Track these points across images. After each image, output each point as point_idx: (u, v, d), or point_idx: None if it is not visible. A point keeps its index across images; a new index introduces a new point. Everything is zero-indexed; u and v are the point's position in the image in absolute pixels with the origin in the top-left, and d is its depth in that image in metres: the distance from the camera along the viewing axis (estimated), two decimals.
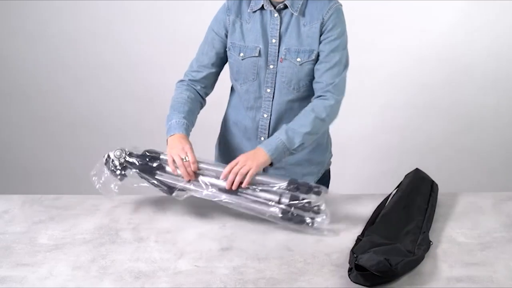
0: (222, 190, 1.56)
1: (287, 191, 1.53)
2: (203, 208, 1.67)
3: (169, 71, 3.01)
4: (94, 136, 3.31)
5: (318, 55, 1.69)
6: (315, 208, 1.50)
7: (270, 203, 1.53)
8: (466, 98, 3.11)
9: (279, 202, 1.52)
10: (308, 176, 1.83)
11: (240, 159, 1.57)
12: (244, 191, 1.55)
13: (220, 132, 1.94)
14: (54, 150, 3.36)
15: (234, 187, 1.54)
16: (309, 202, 1.50)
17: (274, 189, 1.54)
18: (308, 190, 1.52)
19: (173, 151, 1.63)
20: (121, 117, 3.27)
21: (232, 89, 1.86)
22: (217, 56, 1.77)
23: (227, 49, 1.75)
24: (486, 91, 3.09)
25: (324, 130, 1.78)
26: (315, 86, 1.71)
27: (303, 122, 1.65)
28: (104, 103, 3.26)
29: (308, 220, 1.50)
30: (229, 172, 1.54)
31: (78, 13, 3.11)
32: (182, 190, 1.61)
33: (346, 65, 1.71)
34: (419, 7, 2.99)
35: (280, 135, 1.62)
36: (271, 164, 1.62)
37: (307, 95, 1.74)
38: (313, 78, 1.71)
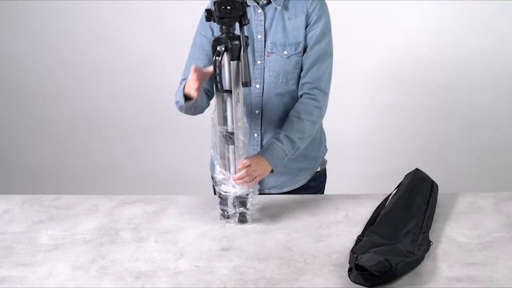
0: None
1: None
2: (203, 208, 1.68)
3: (169, 71, 3.02)
4: (94, 136, 3.31)
5: (304, 47, 1.72)
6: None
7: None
8: (466, 98, 3.11)
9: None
10: (304, 171, 1.84)
11: (252, 165, 1.58)
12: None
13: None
14: (54, 150, 3.36)
15: (240, 182, 1.57)
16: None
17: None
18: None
19: (187, 86, 1.59)
20: (121, 117, 3.27)
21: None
22: (208, 58, 1.76)
23: None
24: (486, 91, 3.09)
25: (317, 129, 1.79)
26: (301, 81, 1.73)
27: (297, 127, 1.68)
28: (104, 103, 3.26)
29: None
30: (243, 172, 1.56)
31: (79, 13, 3.11)
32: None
33: (331, 57, 1.75)
34: (419, 6, 2.99)
35: (280, 144, 1.65)
36: (271, 171, 1.66)
37: (295, 86, 1.75)
38: (300, 70, 1.74)
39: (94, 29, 3.13)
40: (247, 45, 1.48)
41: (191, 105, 1.66)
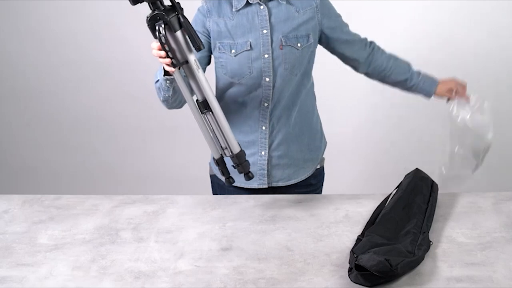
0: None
1: None
2: (203, 208, 1.68)
3: None
4: (95, 136, 3.31)
5: (314, 39, 1.76)
6: None
7: None
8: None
9: None
10: (308, 163, 1.87)
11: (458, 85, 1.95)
12: None
13: None
14: (54, 150, 3.36)
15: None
16: None
17: None
18: None
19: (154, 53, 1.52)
20: (121, 117, 3.27)
21: (221, 96, 1.82)
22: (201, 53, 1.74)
23: (216, 50, 1.73)
24: (486, 91, 3.08)
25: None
26: (358, 49, 1.88)
27: (403, 61, 1.99)
28: (104, 103, 3.26)
29: None
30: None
31: (81, 13, 3.11)
32: None
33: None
34: (419, 6, 2.99)
35: (420, 75, 2.00)
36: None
37: (303, 78, 1.78)
38: (309, 62, 1.78)
39: (95, 29, 3.13)
40: (181, 9, 1.44)
41: (171, 85, 1.61)
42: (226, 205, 1.69)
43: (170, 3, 1.43)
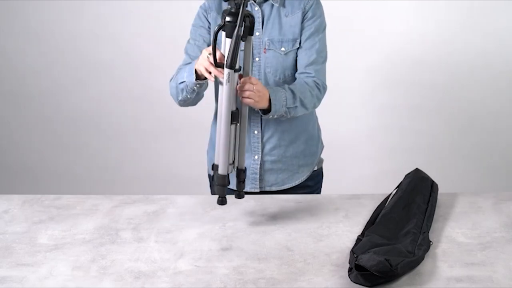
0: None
1: None
2: (203, 208, 1.68)
3: (169, 72, 3.03)
4: (94, 136, 3.31)
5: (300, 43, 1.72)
6: None
7: None
8: (466, 98, 3.11)
9: None
10: (303, 168, 1.85)
11: (256, 88, 1.53)
12: None
13: (210, 137, 1.92)
14: (54, 150, 3.36)
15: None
16: None
17: None
18: None
19: (198, 62, 1.54)
20: (121, 117, 3.27)
21: (216, 96, 1.80)
22: (207, 44, 1.74)
23: None
24: (486, 91, 3.09)
25: (306, 111, 1.73)
26: (298, 73, 1.73)
27: (301, 89, 1.67)
28: (104, 103, 3.26)
29: None
30: (247, 78, 1.52)
31: (80, 13, 3.11)
32: None
33: (325, 57, 1.75)
34: (419, 7, 2.99)
35: (284, 90, 1.63)
36: (264, 112, 1.63)
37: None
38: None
39: (95, 29, 3.13)
40: (251, 26, 1.43)
41: (198, 88, 1.62)
42: (226, 205, 1.69)
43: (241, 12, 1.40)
